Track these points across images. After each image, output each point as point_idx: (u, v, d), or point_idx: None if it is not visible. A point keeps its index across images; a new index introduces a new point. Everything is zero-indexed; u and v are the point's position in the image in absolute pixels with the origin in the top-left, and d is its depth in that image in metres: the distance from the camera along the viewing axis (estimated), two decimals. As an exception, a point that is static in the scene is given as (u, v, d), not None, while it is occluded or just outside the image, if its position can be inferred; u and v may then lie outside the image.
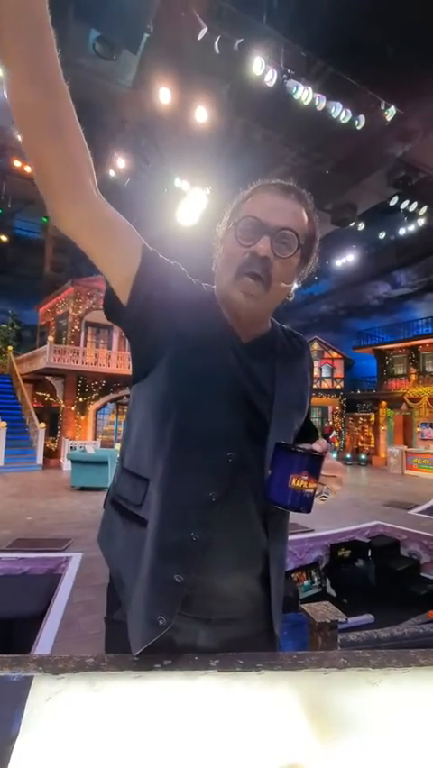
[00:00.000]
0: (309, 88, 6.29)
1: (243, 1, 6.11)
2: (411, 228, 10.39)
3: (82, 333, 14.37)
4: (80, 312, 14.42)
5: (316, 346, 18.02)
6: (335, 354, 18.64)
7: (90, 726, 0.47)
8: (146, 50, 5.99)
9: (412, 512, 6.74)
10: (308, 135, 8.27)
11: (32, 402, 13.82)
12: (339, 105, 6.57)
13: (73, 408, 13.38)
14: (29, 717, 0.46)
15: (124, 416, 0.91)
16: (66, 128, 0.59)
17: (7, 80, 0.53)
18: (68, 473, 9.10)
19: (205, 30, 5.63)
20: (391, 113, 6.93)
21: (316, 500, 0.68)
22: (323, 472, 0.65)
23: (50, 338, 13.58)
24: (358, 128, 6.98)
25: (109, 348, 14.65)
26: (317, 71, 7.16)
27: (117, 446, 11.99)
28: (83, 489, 8.16)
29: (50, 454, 12.65)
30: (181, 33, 5.95)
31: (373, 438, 17.14)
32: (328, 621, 1.06)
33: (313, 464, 0.62)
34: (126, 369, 13.45)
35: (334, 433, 17.05)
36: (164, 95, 6.66)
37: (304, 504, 0.62)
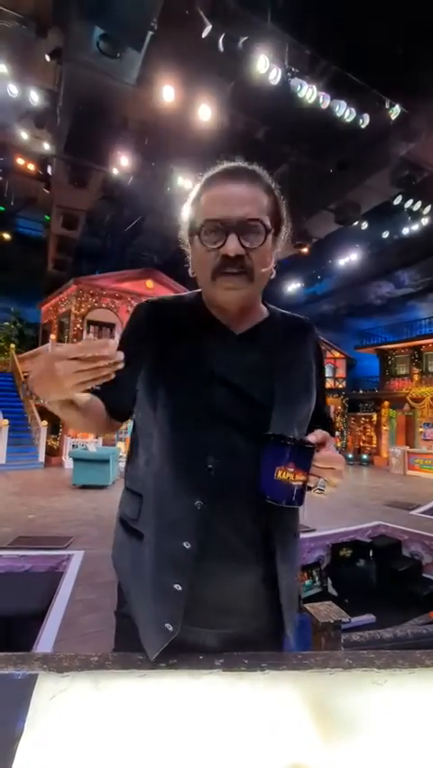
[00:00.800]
0: (314, 87, 6.26)
1: (247, -1, 6.09)
2: (415, 227, 10.33)
3: (84, 332, 14.38)
4: (82, 310, 14.43)
5: (318, 346, 17.90)
6: (337, 354, 18.59)
7: (94, 724, 0.47)
8: (150, 49, 5.97)
9: (414, 512, 6.73)
10: (311, 134, 8.23)
11: (35, 400, 13.84)
12: (343, 103, 6.54)
13: (75, 407, 13.39)
14: (33, 715, 0.46)
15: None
16: (99, 424, 0.78)
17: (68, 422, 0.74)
18: (69, 471, 9.12)
19: (209, 28, 5.61)
20: (395, 111, 6.89)
21: (312, 493, 0.65)
22: (319, 464, 0.63)
23: (53, 336, 13.61)
24: (362, 127, 6.95)
25: (111, 346, 14.64)
26: (322, 69, 7.12)
27: (119, 444, 12.00)
28: (84, 487, 8.17)
29: (52, 452, 12.67)
30: (185, 31, 5.93)
31: (374, 438, 17.10)
32: (332, 621, 1.05)
33: (301, 456, 0.60)
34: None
35: (336, 432, 17.03)
36: (168, 93, 6.64)
37: (291, 497, 0.60)
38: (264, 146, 8.52)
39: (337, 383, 18.24)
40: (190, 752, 0.46)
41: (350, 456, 16.12)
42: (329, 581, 4.13)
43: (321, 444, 0.64)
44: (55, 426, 13.58)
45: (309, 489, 0.64)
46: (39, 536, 4.65)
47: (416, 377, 16.09)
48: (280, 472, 0.59)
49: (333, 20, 6.46)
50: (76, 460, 8.38)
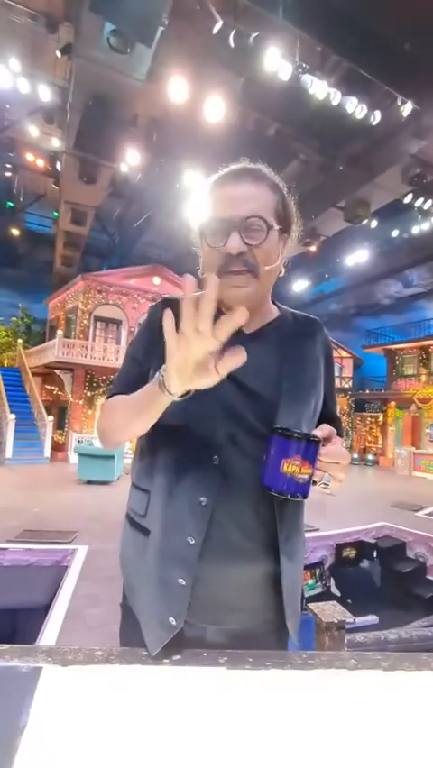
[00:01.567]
0: (325, 83, 6.20)
1: (259, -6, 6.04)
2: (425, 226, 10.21)
3: (91, 328, 14.45)
4: (90, 306, 14.49)
5: (324, 345, 17.84)
6: (344, 353, 18.50)
7: (98, 718, 0.47)
8: (160, 44, 5.95)
9: (419, 514, 6.69)
10: (322, 131, 8.17)
11: (41, 395, 13.96)
12: (355, 100, 6.47)
13: (81, 402, 13.48)
14: (37, 708, 0.46)
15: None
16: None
17: (108, 435, 0.75)
18: (74, 466, 9.18)
19: (220, 23, 5.57)
20: (407, 108, 6.80)
21: (316, 488, 0.65)
22: (324, 459, 0.63)
23: (60, 332, 13.68)
24: (373, 124, 6.87)
25: (118, 343, 14.72)
26: (333, 66, 7.05)
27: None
28: (89, 482, 8.23)
29: (58, 447, 12.77)
30: (196, 27, 5.90)
31: (380, 438, 17.00)
32: (336, 621, 1.05)
33: (308, 449, 0.60)
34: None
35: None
36: (178, 89, 6.61)
37: (297, 490, 0.60)
38: (274, 143, 8.46)
39: (344, 383, 18.16)
40: (193, 747, 0.46)
41: (355, 456, 16.05)
42: (332, 581, 4.12)
43: (327, 440, 0.64)
44: (61, 422, 13.69)
45: (314, 483, 0.64)
46: (44, 530, 4.70)
47: (423, 377, 15.95)
48: (286, 465, 0.59)
49: (344, 15, 6.39)
50: (81, 455, 8.44)
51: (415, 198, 8.88)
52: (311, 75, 6.08)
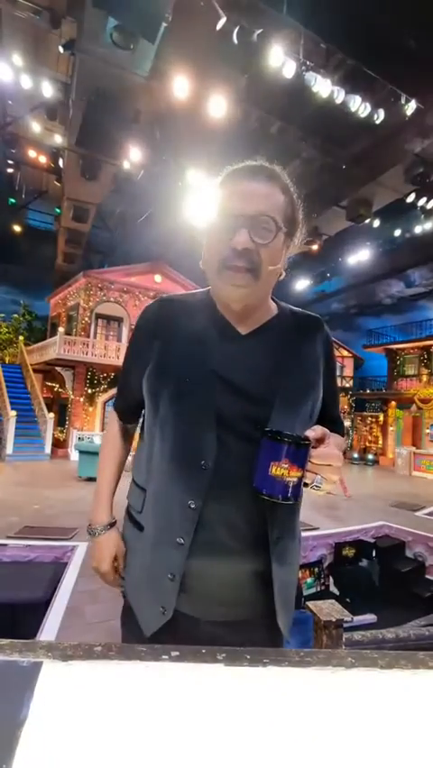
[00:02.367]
0: (328, 81, 6.17)
1: (263, -10, 6.01)
2: (428, 226, 10.17)
3: (92, 325, 14.44)
4: (91, 304, 14.49)
5: (326, 344, 17.84)
6: (345, 353, 18.48)
7: (97, 713, 0.48)
8: (163, 40, 5.92)
9: (419, 514, 6.69)
10: (325, 129, 8.13)
11: (42, 392, 13.97)
12: (358, 98, 6.43)
13: (82, 399, 13.49)
14: (37, 703, 0.47)
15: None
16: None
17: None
18: (75, 463, 9.20)
19: (224, 20, 5.54)
20: (411, 107, 6.77)
21: (308, 490, 0.64)
22: (316, 461, 0.62)
23: (61, 329, 13.68)
24: (377, 122, 6.84)
25: (119, 340, 14.71)
26: (337, 63, 7.01)
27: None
28: (90, 479, 8.24)
29: (58, 444, 12.79)
30: (200, 23, 5.87)
31: (381, 438, 17.00)
32: (334, 620, 1.05)
33: (297, 452, 0.59)
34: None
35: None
36: (181, 86, 6.58)
37: (286, 493, 0.59)
38: (277, 141, 8.43)
39: (345, 382, 18.14)
40: (191, 743, 0.47)
41: (355, 456, 16.05)
42: (331, 580, 4.13)
43: (320, 441, 0.64)
44: (62, 419, 13.71)
45: (306, 485, 0.63)
46: (44, 527, 4.71)
47: (424, 377, 15.93)
48: (274, 468, 0.58)
49: (349, 13, 6.35)
50: (81, 452, 8.45)
51: (418, 198, 8.85)
52: (315, 72, 6.05)
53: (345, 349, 18.59)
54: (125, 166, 8.83)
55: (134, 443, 0.91)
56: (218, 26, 5.56)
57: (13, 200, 14.92)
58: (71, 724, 0.46)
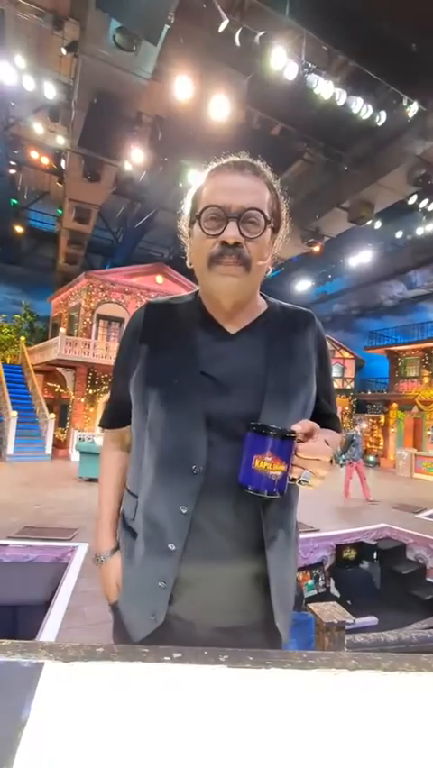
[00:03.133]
0: (330, 83, 6.19)
1: (265, -7, 6.02)
2: (430, 227, 10.18)
3: (94, 326, 14.46)
4: (92, 304, 14.51)
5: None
6: (346, 354, 18.47)
7: (99, 714, 0.47)
8: (166, 42, 5.94)
9: (420, 516, 6.67)
10: (327, 131, 8.15)
11: (43, 393, 13.98)
12: (360, 100, 6.45)
13: (83, 400, 13.50)
14: (39, 704, 0.46)
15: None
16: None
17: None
18: (75, 464, 9.20)
19: (226, 22, 5.56)
20: (412, 109, 6.78)
21: (295, 485, 0.63)
22: (303, 455, 0.60)
23: (62, 330, 13.69)
24: (379, 124, 6.85)
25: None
26: (339, 65, 7.03)
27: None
28: (90, 480, 8.24)
29: (59, 445, 12.80)
30: (202, 25, 5.89)
31: (382, 440, 16.97)
32: (336, 622, 1.05)
33: (282, 445, 0.58)
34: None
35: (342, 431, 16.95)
36: (183, 87, 6.60)
37: (271, 487, 0.58)
38: (279, 142, 8.45)
39: (346, 383, 18.13)
40: (193, 745, 0.46)
41: (343, 457, 16.03)
42: (332, 582, 4.12)
43: (308, 435, 0.62)
44: (63, 419, 13.72)
45: (294, 480, 0.62)
46: (45, 527, 4.71)
47: (426, 379, 15.91)
48: (257, 461, 0.57)
49: (351, 15, 6.36)
50: (82, 453, 8.46)
51: (420, 199, 8.86)
52: (317, 74, 6.07)
53: (346, 350, 18.57)
54: (127, 167, 8.86)
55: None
56: (221, 28, 5.58)
57: (15, 201, 14.96)
58: (73, 725, 0.46)
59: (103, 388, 13.82)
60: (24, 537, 4.15)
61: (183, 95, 6.70)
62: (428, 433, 14.96)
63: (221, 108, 6.88)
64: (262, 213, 0.66)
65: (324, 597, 3.82)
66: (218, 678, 0.56)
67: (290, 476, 0.61)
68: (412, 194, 8.86)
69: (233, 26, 5.62)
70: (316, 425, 0.64)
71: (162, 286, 15.63)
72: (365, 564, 4.48)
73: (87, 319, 14.38)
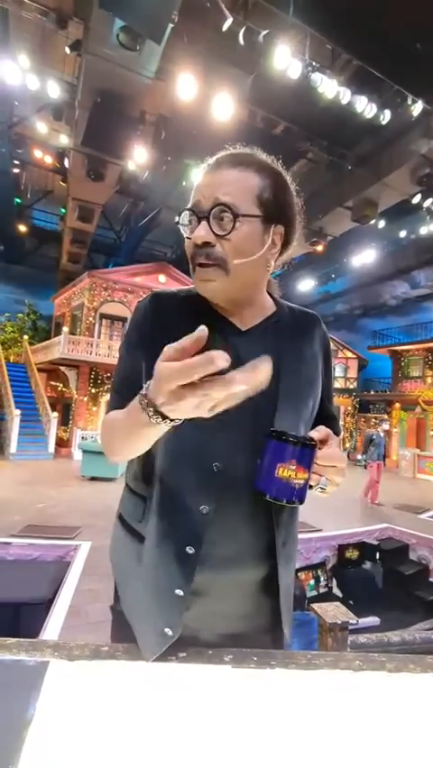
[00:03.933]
0: (334, 81, 6.16)
1: (269, -9, 6.01)
2: (433, 227, 10.14)
3: (96, 325, 14.48)
4: (95, 304, 14.53)
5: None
6: (349, 354, 18.42)
7: (104, 713, 0.47)
8: (170, 41, 5.93)
9: (423, 516, 6.65)
10: (330, 130, 8.13)
11: (46, 391, 14.01)
12: (364, 99, 6.42)
13: (85, 399, 13.53)
14: (44, 702, 0.46)
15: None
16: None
17: (112, 455, 0.68)
18: (78, 463, 9.22)
19: (230, 20, 5.55)
20: (417, 108, 6.74)
21: (313, 492, 0.63)
22: (321, 462, 0.61)
23: (65, 329, 13.72)
24: (383, 123, 6.82)
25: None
26: (343, 64, 7.01)
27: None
28: (93, 478, 8.26)
29: (62, 443, 12.83)
30: (206, 24, 5.88)
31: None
32: (339, 622, 1.05)
33: (303, 453, 0.58)
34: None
35: (344, 433, 16.91)
36: (186, 86, 6.59)
37: (292, 495, 0.58)
38: (282, 141, 8.43)
39: (348, 383, 18.08)
40: (197, 744, 0.46)
41: (359, 457, 15.99)
42: (334, 582, 4.11)
43: (324, 442, 0.62)
44: (65, 418, 13.76)
45: (311, 487, 0.62)
46: (48, 526, 4.72)
47: (429, 379, 15.85)
48: (281, 470, 0.57)
49: (355, 14, 6.34)
50: (85, 451, 8.47)
51: (424, 199, 8.81)
52: (321, 73, 6.04)
53: (349, 350, 18.52)
54: (130, 166, 8.86)
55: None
56: (224, 27, 5.57)
57: (18, 200, 15.01)
58: (77, 723, 0.46)
59: (105, 387, 13.84)
60: (27, 536, 4.17)
61: (186, 94, 6.69)
62: (431, 433, 14.90)
63: (224, 107, 6.87)
64: (227, 207, 0.61)
65: (326, 597, 3.81)
66: (223, 678, 0.56)
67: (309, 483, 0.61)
68: (416, 193, 8.81)
69: (236, 25, 5.61)
70: (330, 432, 0.64)
71: (165, 285, 15.62)
72: (368, 565, 4.47)
73: (90, 318, 14.40)
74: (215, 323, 0.69)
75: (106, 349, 13.65)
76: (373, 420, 17.43)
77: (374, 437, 7.81)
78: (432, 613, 3.45)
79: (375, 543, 4.73)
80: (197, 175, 0.69)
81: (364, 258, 12.90)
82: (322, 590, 3.91)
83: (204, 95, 6.76)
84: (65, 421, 13.70)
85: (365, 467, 7.83)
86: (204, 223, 0.62)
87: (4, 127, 10.23)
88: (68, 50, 6.63)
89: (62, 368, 13.82)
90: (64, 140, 9.14)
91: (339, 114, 6.86)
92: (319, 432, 0.62)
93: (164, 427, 0.51)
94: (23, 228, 17.08)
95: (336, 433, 0.84)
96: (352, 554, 4.39)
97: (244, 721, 0.49)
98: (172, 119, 8.48)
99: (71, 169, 9.50)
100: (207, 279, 0.64)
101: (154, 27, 5.38)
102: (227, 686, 0.54)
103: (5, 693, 0.47)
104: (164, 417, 0.49)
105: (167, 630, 0.61)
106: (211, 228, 0.62)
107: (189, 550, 0.63)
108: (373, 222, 9.67)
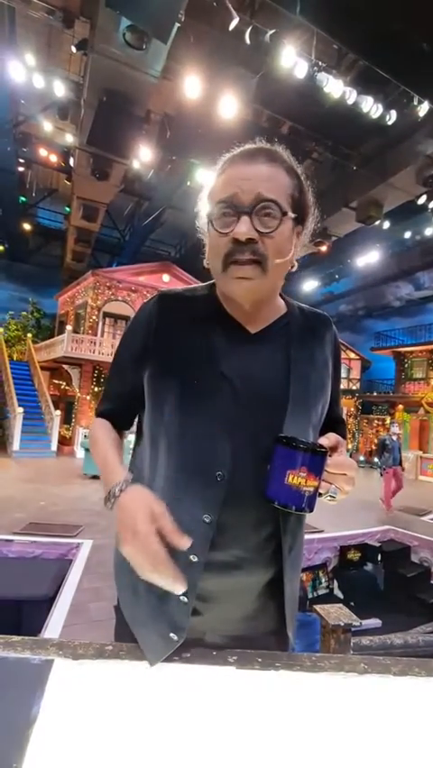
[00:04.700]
0: (340, 81, 6.14)
1: (276, -9, 5.99)
2: (438, 228, 10.11)
3: (100, 324, 14.52)
4: (99, 302, 14.56)
5: (333, 346, 17.79)
6: (352, 355, 18.39)
7: (108, 712, 0.47)
8: (176, 41, 5.93)
9: (425, 518, 6.63)
10: (336, 130, 8.10)
11: (49, 389, 14.06)
12: (370, 99, 6.39)
13: (88, 397, 13.56)
14: (49, 700, 0.46)
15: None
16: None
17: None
18: (80, 461, 9.25)
19: (236, 20, 5.54)
20: (423, 108, 6.71)
21: (322, 500, 0.63)
22: (331, 470, 0.60)
23: (69, 327, 13.76)
24: (389, 123, 6.79)
25: (126, 339, 14.77)
26: (349, 64, 6.98)
27: (130, 437, 12.13)
28: (95, 477, 8.28)
29: (64, 442, 12.86)
30: (212, 23, 5.88)
31: (387, 441, 16.87)
32: (342, 624, 1.04)
33: (314, 460, 0.57)
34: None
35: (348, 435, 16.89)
36: (192, 86, 6.59)
37: (302, 503, 0.57)
38: (288, 141, 8.37)
39: (351, 384, 18.05)
40: (201, 745, 0.46)
41: (361, 459, 15.95)
42: (336, 583, 4.10)
43: (333, 449, 0.61)
44: (68, 416, 13.79)
45: (320, 495, 0.61)
46: (50, 524, 4.74)
47: (432, 381, 15.80)
48: (291, 477, 0.56)
49: (362, 13, 6.31)
50: (87, 450, 8.49)
51: (429, 199, 8.78)
52: (327, 73, 6.02)
53: (352, 351, 18.49)
54: (135, 166, 8.86)
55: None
56: (231, 26, 5.55)
57: (23, 198, 15.05)
58: (82, 722, 0.46)
59: (108, 386, 13.86)
60: (29, 533, 4.18)
61: (192, 93, 6.69)
62: (434, 435, 14.85)
63: (230, 106, 6.86)
64: (276, 203, 0.61)
65: (327, 598, 3.81)
66: (227, 679, 0.56)
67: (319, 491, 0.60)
68: (422, 194, 8.77)
69: (243, 25, 5.59)
70: (340, 439, 0.63)
71: (169, 284, 15.65)
72: (369, 566, 4.46)
73: (94, 317, 14.43)
74: (224, 326, 0.69)
75: (110, 347, 13.67)
76: (376, 421, 17.41)
77: (387, 441, 7.44)
78: (434, 616, 3.43)
79: (377, 544, 4.72)
80: (224, 167, 0.66)
81: (369, 259, 12.85)
82: (323, 592, 3.90)
83: (210, 94, 6.75)
84: (68, 419, 13.74)
85: (381, 474, 7.42)
86: (245, 218, 0.60)
87: (10, 126, 10.26)
88: (74, 49, 6.64)
89: (65, 366, 13.86)
90: (69, 138, 9.17)
91: (345, 115, 6.83)
92: (329, 439, 0.61)
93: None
94: (27, 226, 17.13)
95: (343, 436, 0.83)
96: (353, 556, 4.38)
97: (247, 722, 0.49)
98: (177, 118, 8.48)
99: (76, 168, 9.52)
100: (245, 277, 0.62)
101: (161, 26, 5.37)
102: (231, 687, 0.54)
103: (10, 691, 0.47)
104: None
105: (172, 635, 0.61)
106: (254, 224, 0.60)
107: (193, 558, 0.62)
108: (377, 222, 9.63)
